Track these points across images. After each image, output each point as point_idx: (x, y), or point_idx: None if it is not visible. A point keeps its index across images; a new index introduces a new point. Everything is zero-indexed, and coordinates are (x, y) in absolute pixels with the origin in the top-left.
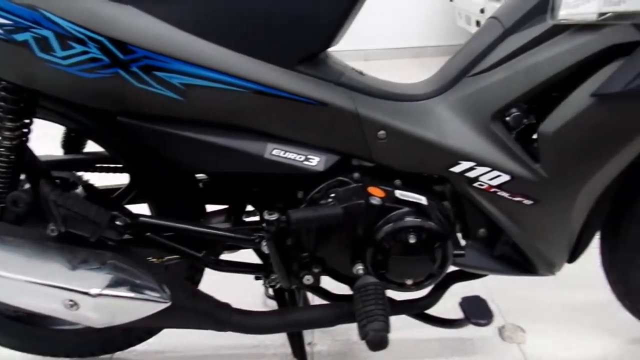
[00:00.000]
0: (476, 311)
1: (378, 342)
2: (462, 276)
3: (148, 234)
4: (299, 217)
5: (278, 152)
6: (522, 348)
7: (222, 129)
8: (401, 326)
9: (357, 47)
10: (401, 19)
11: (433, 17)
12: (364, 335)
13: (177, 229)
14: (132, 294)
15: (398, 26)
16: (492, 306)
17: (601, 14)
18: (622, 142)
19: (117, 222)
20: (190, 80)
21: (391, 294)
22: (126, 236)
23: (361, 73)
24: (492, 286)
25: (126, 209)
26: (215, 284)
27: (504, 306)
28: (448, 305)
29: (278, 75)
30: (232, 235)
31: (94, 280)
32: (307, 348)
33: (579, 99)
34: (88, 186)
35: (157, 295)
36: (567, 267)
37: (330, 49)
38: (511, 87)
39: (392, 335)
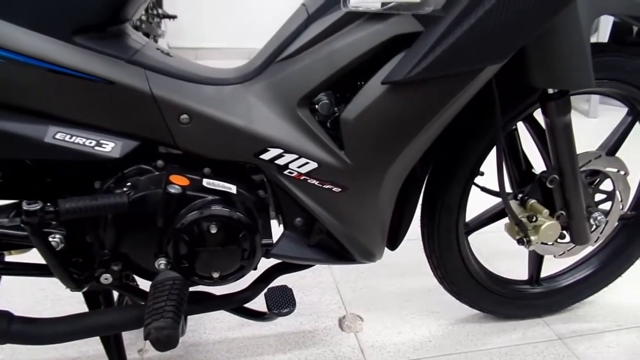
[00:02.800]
0: (280, 301)
1: (164, 341)
2: (285, 268)
3: None
4: (70, 207)
5: (63, 136)
6: (359, 336)
7: None
8: (244, 324)
9: (241, 45)
10: (280, 20)
11: None
12: (146, 334)
13: None
14: None
15: (278, 26)
16: (337, 297)
17: (384, 4)
18: (414, 128)
19: None
20: None
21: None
22: None
23: (168, 54)
24: (338, 278)
25: None
26: None
27: (347, 297)
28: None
29: (48, 46)
30: (2, 231)
31: None
32: (137, 355)
33: (373, 87)
34: None
35: None
36: (406, 255)
37: (218, 45)
38: (314, 74)
39: (231, 334)
